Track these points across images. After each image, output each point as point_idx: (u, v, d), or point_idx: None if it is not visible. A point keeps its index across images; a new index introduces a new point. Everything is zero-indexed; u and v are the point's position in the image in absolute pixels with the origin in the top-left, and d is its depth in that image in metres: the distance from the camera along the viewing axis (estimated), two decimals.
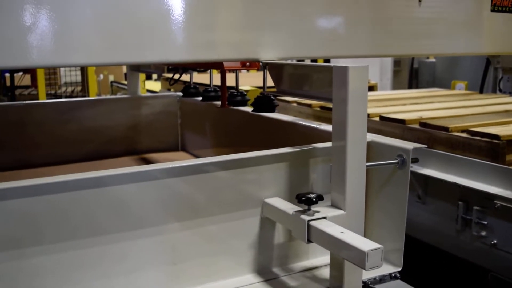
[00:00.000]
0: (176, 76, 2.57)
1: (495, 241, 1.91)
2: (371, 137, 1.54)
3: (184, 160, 1.32)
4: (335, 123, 1.27)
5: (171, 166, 1.29)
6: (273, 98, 1.94)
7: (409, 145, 1.43)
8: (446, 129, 2.21)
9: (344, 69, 1.22)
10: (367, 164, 1.31)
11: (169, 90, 5.11)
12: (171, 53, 1.39)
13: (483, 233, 1.95)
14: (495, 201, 1.88)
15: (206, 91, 2.54)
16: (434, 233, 2.17)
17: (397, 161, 1.44)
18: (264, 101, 1.89)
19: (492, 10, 2.07)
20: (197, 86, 2.74)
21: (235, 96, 2.25)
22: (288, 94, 1.57)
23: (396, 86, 6.74)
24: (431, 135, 2.27)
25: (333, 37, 1.66)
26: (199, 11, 1.39)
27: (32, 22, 1.16)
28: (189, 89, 2.73)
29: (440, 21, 1.93)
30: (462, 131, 2.20)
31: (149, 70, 3.22)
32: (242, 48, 1.51)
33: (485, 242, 1.95)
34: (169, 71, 2.45)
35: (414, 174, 2.20)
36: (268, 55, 1.53)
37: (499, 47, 2.25)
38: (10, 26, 1.14)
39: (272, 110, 1.87)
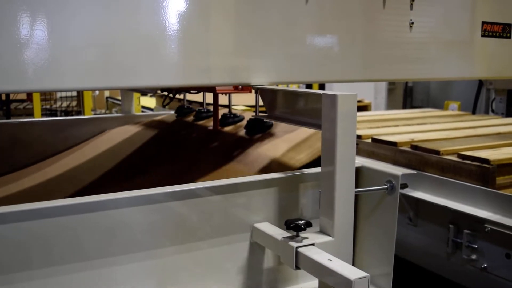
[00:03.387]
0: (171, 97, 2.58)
1: (485, 265, 1.91)
2: (361, 162, 1.55)
3: (174, 186, 1.33)
4: (324, 149, 1.29)
5: (160, 191, 1.29)
6: (265, 120, 1.99)
7: (398, 171, 1.45)
8: (437, 152, 2.22)
9: (333, 97, 1.24)
10: (356, 190, 1.33)
11: (164, 107, 5.12)
12: (164, 78, 1.41)
13: (474, 257, 1.95)
14: (485, 225, 1.89)
15: (199, 112, 2.56)
16: (425, 256, 2.17)
17: (386, 186, 1.45)
18: (257, 123, 1.94)
19: (483, 35, 2.11)
20: (191, 106, 2.74)
21: (228, 118, 2.26)
22: (279, 119, 1.58)
23: (390, 104, 6.78)
24: (422, 158, 2.29)
25: (325, 61, 1.69)
26: (192, 37, 1.42)
27: (24, 44, 1.17)
28: (183, 109, 2.74)
29: (431, 45, 1.96)
30: (453, 155, 2.21)
31: (142, 90, 3.24)
32: (234, 73, 1.52)
33: (475, 266, 1.95)
34: (162, 91, 2.46)
35: (406, 197, 2.21)
36: (259, 79, 1.55)
37: (490, 72, 2.28)
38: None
39: (264, 132, 1.90)
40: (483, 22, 2.09)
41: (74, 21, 1.24)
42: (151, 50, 1.36)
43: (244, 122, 2.19)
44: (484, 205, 1.97)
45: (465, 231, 1.97)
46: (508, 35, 2.19)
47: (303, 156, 1.80)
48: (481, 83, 4.16)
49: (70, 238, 1.19)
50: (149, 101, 5.98)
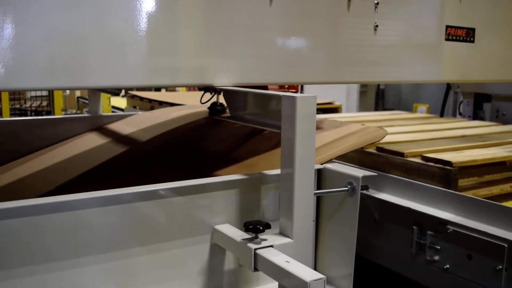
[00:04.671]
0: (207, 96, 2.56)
1: (448, 266, 1.94)
2: (324, 164, 1.56)
3: (136, 187, 1.32)
4: (283, 150, 1.29)
5: (122, 192, 1.28)
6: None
7: (359, 173, 1.46)
8: (401, 154, 2.25)
9: (292, 99, 1.24)
10: (316, 191, 1.34)
11: (134, 107, 5.08)
12: (126, 78, 1.40)
13: (436, 258, 1.98)
14: (448, 226, 1.92)
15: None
16: (390, 257, 2.20)
17: (347, 188, 1.46)
18: None
19: (447, 39, 2.14)
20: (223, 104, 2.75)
21: None
22: (241, 120, 1.58)
23: (362, 106, 6.84)
24: (388, 160, 2.31)
25: (290, 63, 1.69)
26: (155, 37, 1.41)
27: None
28: (216, 107, 2.73)
29: (395, 48, 1.98)
30: (417, 157, 2.24)
31: (107, 91, 3.20)
32: (197, 74, 1.52)
33: (438, 267, 1.98)
34: (200, 90, 2.47)
35: (371, 198, 2.23)
36: (222, 80, 1.55)
37: (455, 75, 2.32)
38: None
39: None
40: (447, 26, 2.13)
41: (38, 19, 1.22)
42: (114, 50, 1.35)
43: None
44: (447, 206, 2.00)
45: (428, 232, 2.00)
46: (472, 39, 2.23)
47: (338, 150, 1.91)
48: (448, 86, 4.23)
49: (29, 240, 1.17)
50: (121, 102, 5.93)
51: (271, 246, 1.24)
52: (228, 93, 1.60)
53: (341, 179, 1.49)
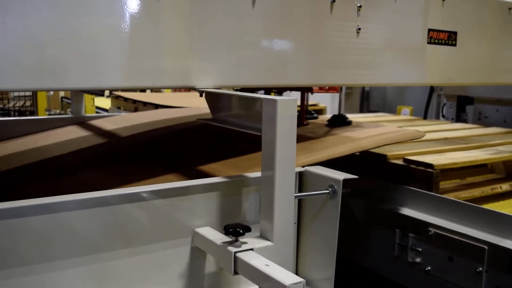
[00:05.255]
0: None
1: (429, 268, 1.96)
2: (306, 166, 1.56)
3: (116, 189, 1.31)
4: (264, 153, 1.29)
5: (102, 194, 1.27)
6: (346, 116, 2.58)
7: (340, 176, 1.46)
8: (384, 156, 2.26)
9: (273, 102, 1.24)
10: (297, 194, 1.33)
11: (119, 108, 5.05)
12: (106, 80, 1.38)
13: (418, 260, 1.99)
14: (429, 229, 1.94)
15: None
16: (373, 259, 2.21)
17: (328, 191, 1.46)
18: (339, 118, 2.55)
19: (429, 43, 2.15)
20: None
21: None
22: (223, 123, 1.57)
23: (347, 108, 6.86)
24: (371, 162, 2.32)
25: (272, 65, 1.69)
26: (135, 39, 1.39)
27: None
28: None
29: (378, 51, 1.99)
30: (400, 159, 2.25)
31: (91, 91, 3.19)
32: (178, 76, 1.51)
33: (420, 268, 1.99)
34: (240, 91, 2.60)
35: (355, 201, 2.24)
36: (204, 83, 1.54)
37: (438, 79, 2.34)
38: None
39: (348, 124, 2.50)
40: (429, 30, 2.14)
41: (19, 20, 1.20)
42: (94, 51, 1.33)
43: None
44: (429, 209, 2.02)
45: (410, 234, 2.01)
46: (454, 42, 2.25)
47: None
48: (432, 89, 4.26)
49: (5, 243, 1.15)
50: (105, 102, 5.88)
51: (251, 249, 1.24)
52: (210, 96, 1.59)
53: (323, 182, 1.49)
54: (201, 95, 1.59)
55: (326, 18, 1.80)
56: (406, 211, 2.06)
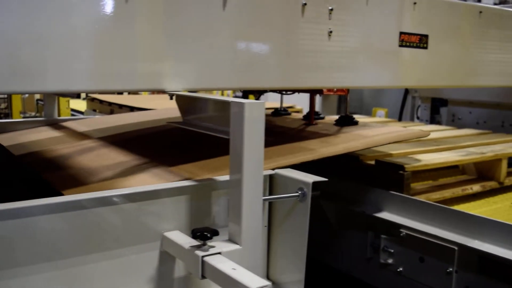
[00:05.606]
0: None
1: (401, 269, 1.97)
2: (276, 169, 1.56)
3: (84, 194, 1.29)
4: (232, 156, 1.29)
5: (69, 199, 1.25)
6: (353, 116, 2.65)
7: (310, 178, 1.46)
8: (356, 158, 2.27)
9: (241, 105, 1.24)
10: (265, 197, 1.33)
11: (94, 110, 5.01)
12: (74, 83, 1.37)
13: (390, 261, 2.01)
14: (401, 230, 1.95)
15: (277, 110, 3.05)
16: (346, 261, 2.22)
17: (297, 194, 1.47)
18: (347, 118, 2.61)
19: (400, 45, 2.17)
20: (287, 108, 3.16)
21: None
22: (193, 126, 1.57)
23: (325, 110, 6.89)
24: (343, 163, 2.33)
25: (243, 68, 1.69)
26: (104, 41, 1.38)
27: None
28: (280, 112, 3.07)
29: (350, 54, 2.00)
30: (372, 161, 2.27)
31: (64, 94, 3.15)
32: (149, 79, 1.50)
33: (392, 270, 2.01)
34: (243, 93, 2.90)
35: (328, 203, 2.25)
36: (174, 86, 1.53)
37: (411, 81, 2.36)
38: None
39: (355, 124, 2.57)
40: (401, 33, 2.16)
41: None
42: (61, 53, 1.32)
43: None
44: (400, 210, 2.03)
45: (382, 236, 2.03)
46: (425, 45, 2.27)
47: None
48: (406, 91, 4.31)
49: None
50: (80, 104, 5.83)
51: (219, 253, 1.24)
52: (180, 99, 1.59)
53: (293, 185, 1.50)
54: (171, 98, 1.58)
55: (298, 21, 1.81)
56: (378, 213, 2.07)
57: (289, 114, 3.07)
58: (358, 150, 2.13)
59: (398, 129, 2.50)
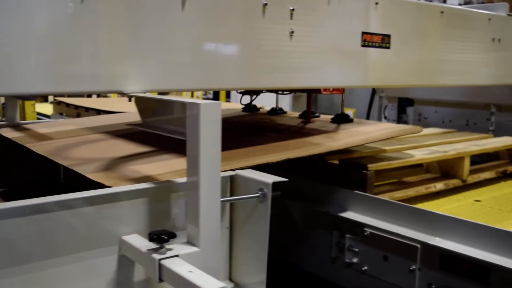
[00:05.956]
0: (246, 99, 3.09)
1: (366, 267, 1.99)
2: (237, 170, 1.56)
3: (42, 197, 1.26)
4: (189, 158, 1.28)
5: (27, 203, 1.22)
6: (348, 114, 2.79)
7: (270, 179, 1.46)
8: (322, 158, 2.28)
9: (196, 106, 1.23)
10: (224, 199, 1.33)
11: (61, 114, 4.94)
12: (25, 85, 1.34)
13: (355, 260, 2.02)
14: (365, 229, 1.97)
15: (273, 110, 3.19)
16: (312, 261, 2.22)
17: (258, 195, 1.46)
18: (342, 116, 2.73)
19: (363, 45, 2.19)
20: (282, 108, 3.25)
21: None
22: (151, 128, 1.55)
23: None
24: (307, 163, 2.34)
25: (203, 69, 1.68)
26: (57, 42, 1.36)
27: None
28: (276, 111, 3.19)
29: (312, 55, 2.01)
30: (336, 160, 2.28)
31: (23, 97, 3.10)
32: (105, 81, 1.48)
33: (357, 269, 2.02)
34: (242, 93, 2.95)
35: (293, 203, 2.25)
36: (132, 87, 1.52)
37: (374, 81, 2.38)
38: None
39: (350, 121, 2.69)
40: (363, 33, 2.18)
41: None
42: (11, 55, 1.29)
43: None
44: (364, 210, 2.05)
45: (347, 235, 2.04)
46: (388, 45, 2.29)
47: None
48: (374, 91, 4.35)
49: None
50: (47, 108, 5.73)
51: (177, 255, 1.22)
52: (139, 100, 1.57)
53: (253, 186, 1.49)
54: (129, 100, 1.56)
55: (259, 22, 1.81)
56: (343, 213, 2.08)
57: (285, 112, 3.21)
58: (358, 145, 2.24)
59: (391, 125, 2.64)
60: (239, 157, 1.82)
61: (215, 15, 1.69)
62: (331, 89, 2.59)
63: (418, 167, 2.62)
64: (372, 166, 2.10)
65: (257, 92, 3.00)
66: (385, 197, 2.09)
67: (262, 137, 2.31)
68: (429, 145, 2.70)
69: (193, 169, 1.26)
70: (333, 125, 2.62)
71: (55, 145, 2.19)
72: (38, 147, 2.15)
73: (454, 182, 2.49)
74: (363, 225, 1.98)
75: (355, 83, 2.30)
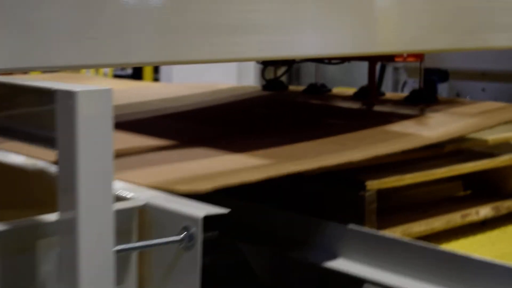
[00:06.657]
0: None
1: None
2: (145, 198, 1.55)
3: None
4: (60, 181, 1.26)
5: None
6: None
7: (199, 211, 1.45)
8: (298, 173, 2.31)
9: (70, 95, 1.21)
10: (120, 247, 1.32)
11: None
12: None
13: None
14: (366, 286, 1.98)
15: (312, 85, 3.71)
16: None
17: (180, 237, 1.45)
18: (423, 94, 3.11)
19: None
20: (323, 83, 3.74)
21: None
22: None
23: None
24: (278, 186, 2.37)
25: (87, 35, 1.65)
26: None
27: None
28: (316, 87, 3.66)
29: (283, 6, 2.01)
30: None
31: None
32: None
33: None
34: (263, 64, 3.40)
35: (253, 248, 2.26)
36: None
37: (384, 45, 2.40)
38: None
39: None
40: None
41: None
42: None
43: None
44: (363, 255, 2.07)
45: None
46: None
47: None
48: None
49: None
50: None
51: None
52: None
53: (173, 223, 1.48)
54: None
55: None
56: (331, 261, 2.09)
57: (330, 90, 3.63)
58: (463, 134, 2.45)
59: (500, 105, 2.85)
60: (304, 156, 1.93)
61: None
62: (405, 55, 2.93)
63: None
64: (372, 184, 2.10)
65: (289, 62, 3.33)
66: (396, 233, 2.10)
67: (319, 125, 2.52)
68: None
69: (67, 199, 1.25)
70: (411, 107, 2.83)
71: None
72: None
73: (510, 204, 2.49)
74: (361, 281, 1.99)
75: (355, 50, 2.30)
